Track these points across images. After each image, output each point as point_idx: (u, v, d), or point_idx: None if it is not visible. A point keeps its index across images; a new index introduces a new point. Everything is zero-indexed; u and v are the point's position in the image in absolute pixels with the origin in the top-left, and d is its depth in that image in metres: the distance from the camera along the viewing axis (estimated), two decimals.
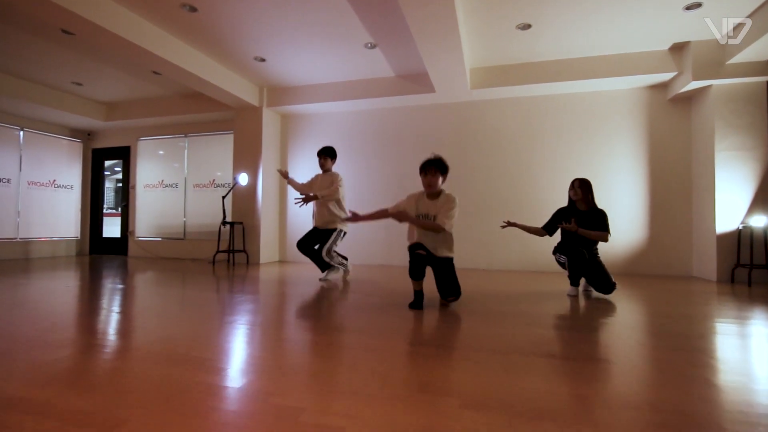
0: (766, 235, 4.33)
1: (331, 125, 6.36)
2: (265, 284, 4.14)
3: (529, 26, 4.21)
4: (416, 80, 5.51)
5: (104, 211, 8.03)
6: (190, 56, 4.83)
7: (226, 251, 5.93)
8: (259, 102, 6.12)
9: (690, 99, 5.07)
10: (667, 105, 5.18)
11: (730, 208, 4.54)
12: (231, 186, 6.01)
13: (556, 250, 3.60)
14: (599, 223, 3.53)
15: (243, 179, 5.90)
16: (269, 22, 4.20)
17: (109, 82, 6.00)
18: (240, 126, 6.23)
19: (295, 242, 6.56)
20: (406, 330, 2.32)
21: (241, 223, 6.05)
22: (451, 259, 3.03)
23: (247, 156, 6.16)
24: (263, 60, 5.12)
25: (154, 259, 6.79)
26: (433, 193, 3.05)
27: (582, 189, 3.59)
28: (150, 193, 7.37)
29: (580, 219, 3.55)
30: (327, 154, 4.37)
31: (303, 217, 6.41)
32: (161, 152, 7.34)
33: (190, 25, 4.33)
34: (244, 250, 6.02)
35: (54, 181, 7.18)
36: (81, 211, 7.62)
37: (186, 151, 7.14)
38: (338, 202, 4.26)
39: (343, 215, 4.25)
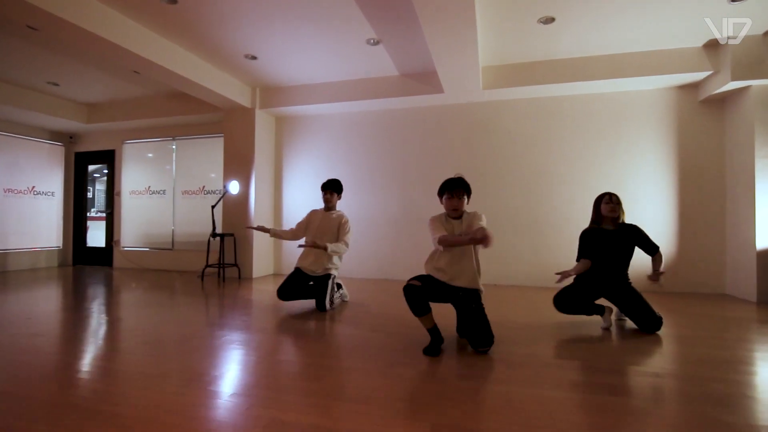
0: None
1: (329, 128, 5.89)
2: (256, 308, 3.69)
3: (552, 20, 3.74)
4: (423, 79, 5.04)
5: (90, 215, 7.55)
6: (172, 54, 4.36)
7: (216, 265, 5.47)
8: (252, 103, 5.65)
9: (723, 101, 4.61)
10: (697, 107, 4.72)
11: None
12: (221, 195, 5.54)
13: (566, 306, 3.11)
14: (643, 241, 3.09)
15: (233, 187, 5.43)
16: (260, 15, 3.72)
17: (88, 82, 5.52)
18: (230, 129, 5.76)
19: (291, 254, 6.22)
20: (422, 400, 1.85)
21: (232, 234, 5.58)
22: (477, 293, 2.58)
23: (238, 162, 5.69)
24: (254, 58, 4.65)
25: (140, 271, 6.33)
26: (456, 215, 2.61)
27: (619, 205, 3.14)
28: (136, 200, 6.90)
29: (613, 241, 3.10)
30: (334, 189, 3.81)
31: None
32: (150, 155, 6.87)
33: (170, 20, 3.85)
34: (235, 264, 5.56)
35: (33, 187, 6.69)
36: (63, 219, 7.14)
37: (174, 155, 6.67)
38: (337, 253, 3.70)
39: (339, 263, 3.81)
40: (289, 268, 6.01)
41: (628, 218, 4.85)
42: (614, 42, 4.25)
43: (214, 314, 3.56)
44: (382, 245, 5.53)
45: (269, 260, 6.01)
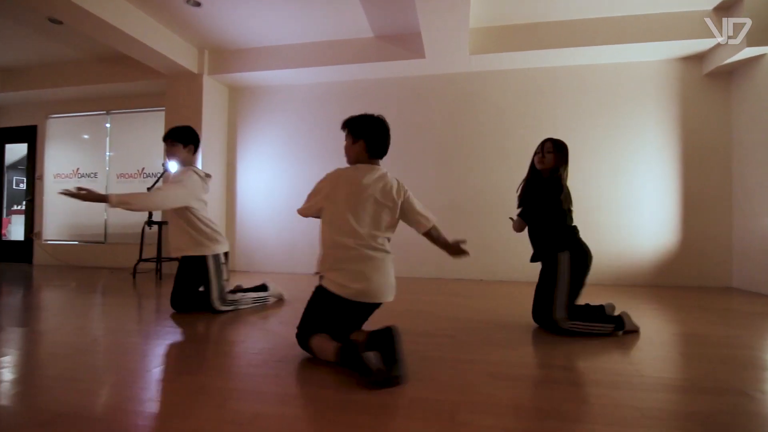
0: None
1: (292, 101, 5.10)
2: (192, 321, 2.88)
3: None
4: (402, 42, 4.36)
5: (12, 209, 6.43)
6: None
7: (153, 260, 4.56)
8: (199, 68, 4.79)
9: (731, 73, 4.18)
10: (702, 81, 4.28)
11: None
12: (159, 175, 4.65)
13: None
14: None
15: (173, 165, 4.54)
16: None
17: None
18: (173, 98, 4.87)
19: (246, 246, 5.39)
20: None
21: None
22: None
23: None
24: (197, 4, 3.82)
25: (64, 269, 5.31)
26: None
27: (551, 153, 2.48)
28: (62, 184, 5.82)
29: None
30: (174, 138, 2.75)
31: (257, 215, 5.14)
32: (80, 132, 5.84)
33: None
34: (177, 259, 4.66)
35: None
36: None
37: (108, 132, 5.69)
38: (190, 220, 2.63)
39: (210, 233, 2.71)
40: (245, 264, 5.18)
41: (632, 207, 4.37)
42: (616, 2, 3.73)
43: (132, 319, 2.72)
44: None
45: None
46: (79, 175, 5.77)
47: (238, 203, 5.22)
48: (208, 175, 2.89)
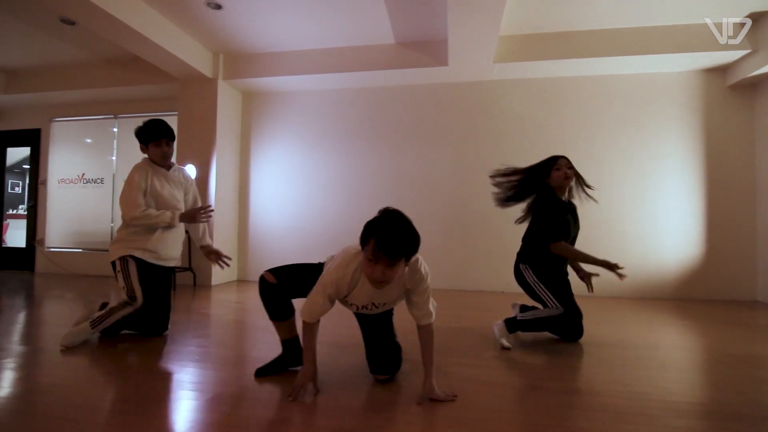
0: None
1: (308, 108, 5.00)
2: (215, 326, 2.75)
3: None
4: (424, 49, 4.28)
5: (11, 212, 6.24)
6: None
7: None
8: (214, 73, 4.66)
9: (756, 87, 4.15)
10: (726, 93, 4.25)
11: None
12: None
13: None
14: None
15: (190, 172, 4.41)
16: None
17: (6, 38, 4.36)
18: (186, 103, 4.74)
19: (258, 253, 5.24)
20: None
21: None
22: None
23: (196, 143, 4.67)
24: (218, 7, 3.71)
25: (67, 278, 5.13)
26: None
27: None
28: (66, 190, 5.68)
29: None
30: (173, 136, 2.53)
31: (270, 221, 5.01)
32: (87, 139, 5.70)
33: None
34: (189, 268, 4.53)
35: None
36: None
37: (116, 136, 5.54)
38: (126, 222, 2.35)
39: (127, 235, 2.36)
40: (257, 270, 5.03)
41: (655, 220, 4.33)
42: (643, 13, 3.70)
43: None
44: None
45: (232, 264, 5.00)
46: (85, 181, 5.61)
47: (250, 207, 5.09)
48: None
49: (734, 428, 1.35)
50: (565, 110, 4.48)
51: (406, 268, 1.48)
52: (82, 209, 5.58)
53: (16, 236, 6.06)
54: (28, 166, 6.09)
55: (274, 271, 1.74)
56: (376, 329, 1.80)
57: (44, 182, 5.73)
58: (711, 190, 4.24)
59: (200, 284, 4.57)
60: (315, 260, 1.89)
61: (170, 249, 2.44)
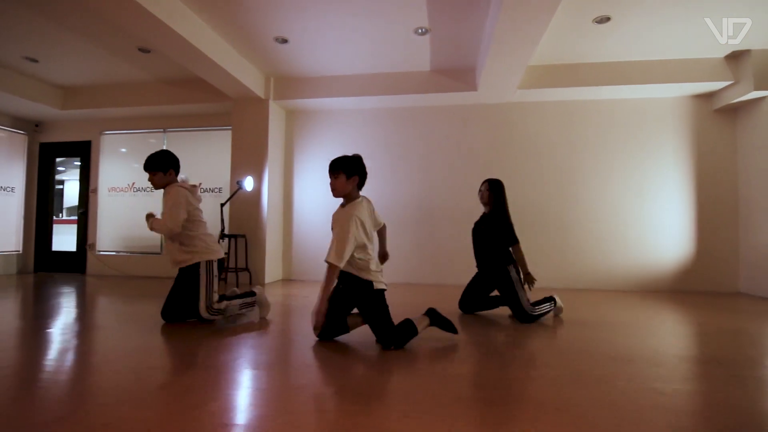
0: None
1: (344, 124, 5.58)
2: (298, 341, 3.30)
3: (608, 19, 3.76)
4: (456, 76, 4.91)
5: (58, 218, 6.62)
6: (195, 27, 3.84)
7: (227, 270, 4.93)
8: (266, 94, 5.21)
9: (736, 111, 4.89)
10: (712, 115, 4.98)
11: None
12: (233, 192, 5.03)
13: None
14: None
15: (249, 184, 4.95)
16: None
17: (77, 59, 4.81)
18: (239, 120, 5.27)
19: (302, 256, 5.74)
20: None
21: (243, 236, 5.08)
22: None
23: (249, 157, 5.21)
24: (285, 41, 4.27)
25: (121, 279, 5.59)
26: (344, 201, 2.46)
27: (488, 191, 3.33)
28: (116, 198, 6.13)
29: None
30: (150, 168, 2.88)
31: (312, 226, 5.56)
32: (139, 152, 6.15)
33: None
34: (246, 269, 5.05)
35: None
36: (25, 219, 6.19)
37: (165, 148, 6.01)
38: (185, 236, 2.78)
39: (203, 245, 2.83)
40: (299, 273, 5.59)
41: (652, 222, 5.02)
42: (647, 49, 4.37)
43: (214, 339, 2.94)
44: (403, 248, 5.27)
45: (279, 264, 5.54)
46: (135, 189, 6.07)
47: (294, 217, 5.63)
48: (194, 186, 2.99)
49: (715, 371, 1.98)
50: (575, 130, 5.15)
51: (347, 206, 2.35)
52: (131, 216, 6.04)
53: (65, 241, 6.46)
54: (61, 169, 6.47)
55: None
56: (372, 323, 2.32)
57: (95, 191, 6.17)
58: (700, 199, 4.95)
59: (255, 282, 5.09)
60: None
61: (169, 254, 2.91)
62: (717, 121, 4.96)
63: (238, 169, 5.21)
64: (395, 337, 2.26)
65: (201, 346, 2.38)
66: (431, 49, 4.43)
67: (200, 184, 5.80)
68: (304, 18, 3.83)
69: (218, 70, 4.40)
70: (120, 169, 6.17)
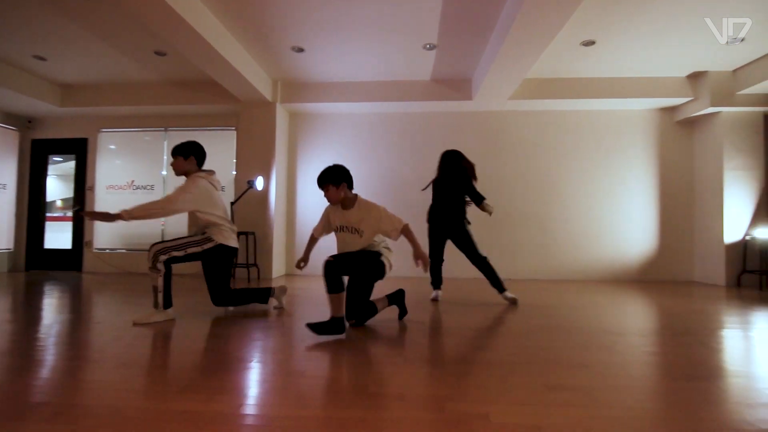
0: None
1: (346, 127, 5.89)
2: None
3: (593, 43, 4.29)
4: (454, 86, 5.34)
5: (51, 215, 6.53)
6: (217, 31, 3.98)
7: (239, 266, 5.13)
8: (273, 97, 5.45)
9: (694, 123, 5.61)
10: (674, 126, 5.67)
11: (737, 220, 5.10)
12: (244, 190, 5.23)
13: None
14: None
15: (260, 183, 5.18)
16: (318, 7, 3.70)
17: (86, 59, 4.85)
18: (247, 122, 5.48)
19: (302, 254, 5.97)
20: None
21: (253, 233, 5.30)
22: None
23: (256, 157, 5.42)
24: (301, 50, 4.54)
25: (119, 275, 5.65)
26: (345, 203, 2.77)
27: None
28: (115, 195, 6.15)
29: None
30: (174, 153, 2.95)
31: (313, 223, 5.81)
32: (139, 149, 6.19)
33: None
34: (255, 264, 5.28)
35: None
36: (16, 217, 6.09)
37: (165, 147, 6.11)
38: (200, 218, 2.91)
39: (220, 227, 2.96)
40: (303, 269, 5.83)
41: (621, 219, 5.67)
42: (622, 67, 4.97)
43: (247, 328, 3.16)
44: (404, 246, 5.64)
45: (283, 260, 5.79)
46: (134, 187, 6.12)
47: (297, 216, 5.89)
48: (209, 172, 3.04)
49: (685, 340, 2.50)
50: (557, 135, 5.72)
51: (357, 205, 2.74)
52: None
53: (58, 238, 6.39)
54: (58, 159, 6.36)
55: (333, 256, 2.58)
56: (354, 288, 2.69)
57: (92, 188, 6.16)
58: (662, 199, 5.64)
59: (263, 276, 5.32)
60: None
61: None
62: (678, 132, 5.66)
63: (244, 169, 5.42)
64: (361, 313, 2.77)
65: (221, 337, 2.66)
66: (435, 62, 4.83)
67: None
68: (324, 31, 4.12)
69: (233, 73, 4.56)
70: (119, 166, 6.19)
